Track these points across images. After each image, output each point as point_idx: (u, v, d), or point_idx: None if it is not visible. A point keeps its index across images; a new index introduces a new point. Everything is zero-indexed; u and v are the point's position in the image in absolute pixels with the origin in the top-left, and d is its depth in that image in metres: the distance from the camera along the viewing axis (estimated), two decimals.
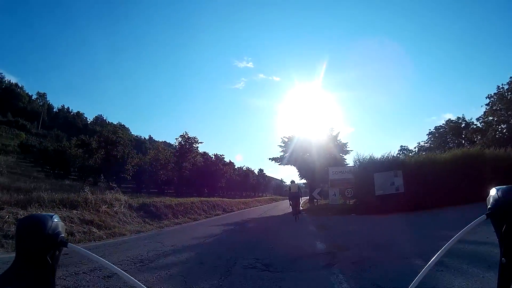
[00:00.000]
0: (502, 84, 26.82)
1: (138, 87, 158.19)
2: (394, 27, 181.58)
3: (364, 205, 13.03)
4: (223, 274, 4.08)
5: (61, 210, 8.96)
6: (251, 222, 13.99)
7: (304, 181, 30.21)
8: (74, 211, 9.15)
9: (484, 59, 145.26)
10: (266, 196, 66.95)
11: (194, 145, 35.99)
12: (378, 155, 14.10)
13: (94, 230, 8.60)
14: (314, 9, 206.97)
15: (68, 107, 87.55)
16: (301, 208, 13.93)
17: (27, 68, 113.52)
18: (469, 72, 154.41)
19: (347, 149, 26.34)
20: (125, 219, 10.73)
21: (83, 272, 4.13)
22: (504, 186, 0.64)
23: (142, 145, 69.45)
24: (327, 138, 25.51)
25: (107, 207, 10.56)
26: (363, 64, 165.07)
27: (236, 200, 31.59)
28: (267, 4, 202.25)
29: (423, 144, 39.24)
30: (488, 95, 28.18)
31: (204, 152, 44.65)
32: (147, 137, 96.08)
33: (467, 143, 30.69)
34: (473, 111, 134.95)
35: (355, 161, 14.91)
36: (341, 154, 25.59)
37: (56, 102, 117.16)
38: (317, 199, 21.26)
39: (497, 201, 0.63)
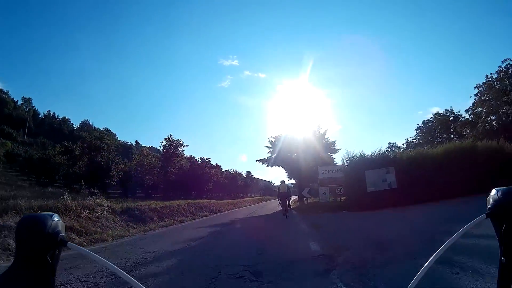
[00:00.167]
0: (491, 73, 25.90)
1: (124, 91, 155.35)
2: (378, 22, 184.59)
3: (356, 202, 12.98)
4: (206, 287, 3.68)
5: None
6: (239, 222, 13.85)
7: (293, 181, 30.35)
8: None
9: (469, 50, 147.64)
10: (255, 196, 67.04)
11: (179, 149, 35.85)
12: (367, 152, 14.11)
13: (74, 236, 8.36)
14: (298, 6, 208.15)
15: (54, 113, 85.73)
16: (290, 206, 14.11)
17: (12, 73, 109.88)
18: (454, 63, 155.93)
19: (335, 147, 26.18)
20: (108, 224, 10.50)
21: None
22: (504, 188, 0.66)
23: (129, 150, 68.33)
24: (314, 136, 25.17)
25: (89, 212, 10.29)
26: (349, 61, 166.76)
27: (224, 201, 31.27)
28: (251, 1, 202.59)
29: (411, 140, 38.66)
30: (477, 85, 27.29)
31: (190, 156, 44.79)
32: (134, 143, 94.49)
33: (456, 137, 30.19)
34: (460, 102, 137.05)
35: (345, 159, 14.91)
36: (329, 153, 25.31)
37: (42, 107, 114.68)
38: (307, 198, 21.49)
39: (497, 201, 0.64)
